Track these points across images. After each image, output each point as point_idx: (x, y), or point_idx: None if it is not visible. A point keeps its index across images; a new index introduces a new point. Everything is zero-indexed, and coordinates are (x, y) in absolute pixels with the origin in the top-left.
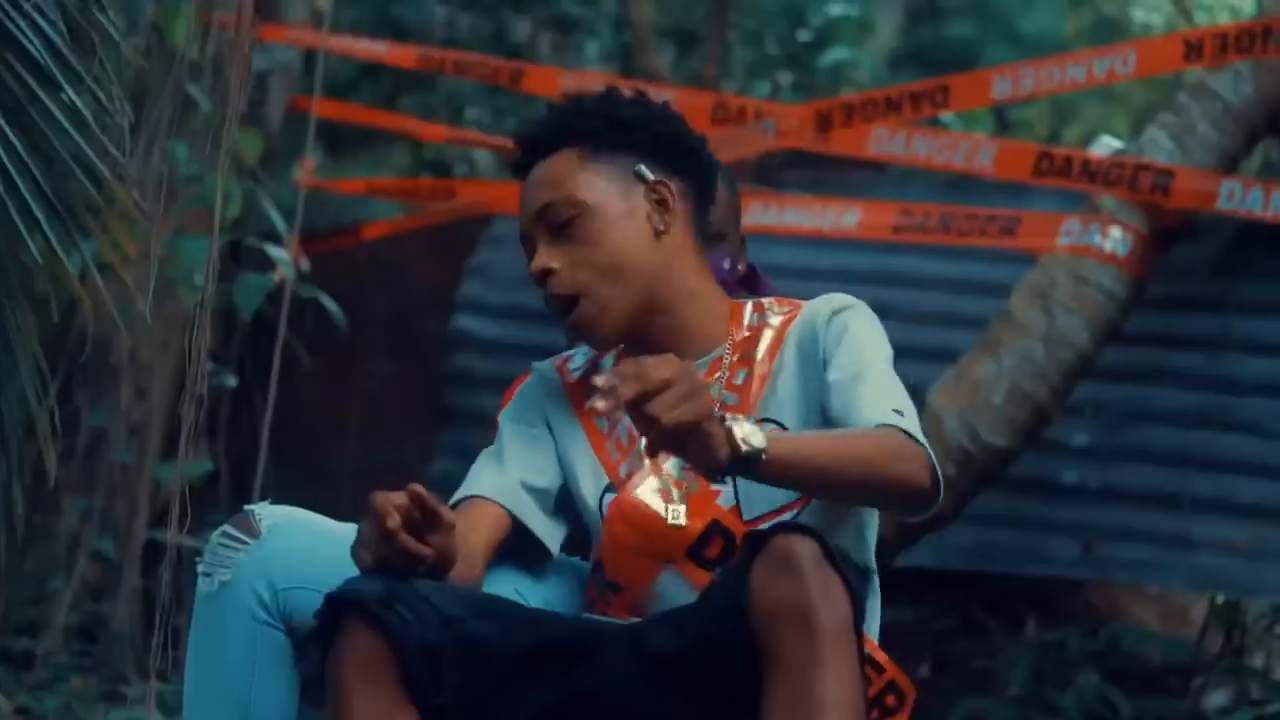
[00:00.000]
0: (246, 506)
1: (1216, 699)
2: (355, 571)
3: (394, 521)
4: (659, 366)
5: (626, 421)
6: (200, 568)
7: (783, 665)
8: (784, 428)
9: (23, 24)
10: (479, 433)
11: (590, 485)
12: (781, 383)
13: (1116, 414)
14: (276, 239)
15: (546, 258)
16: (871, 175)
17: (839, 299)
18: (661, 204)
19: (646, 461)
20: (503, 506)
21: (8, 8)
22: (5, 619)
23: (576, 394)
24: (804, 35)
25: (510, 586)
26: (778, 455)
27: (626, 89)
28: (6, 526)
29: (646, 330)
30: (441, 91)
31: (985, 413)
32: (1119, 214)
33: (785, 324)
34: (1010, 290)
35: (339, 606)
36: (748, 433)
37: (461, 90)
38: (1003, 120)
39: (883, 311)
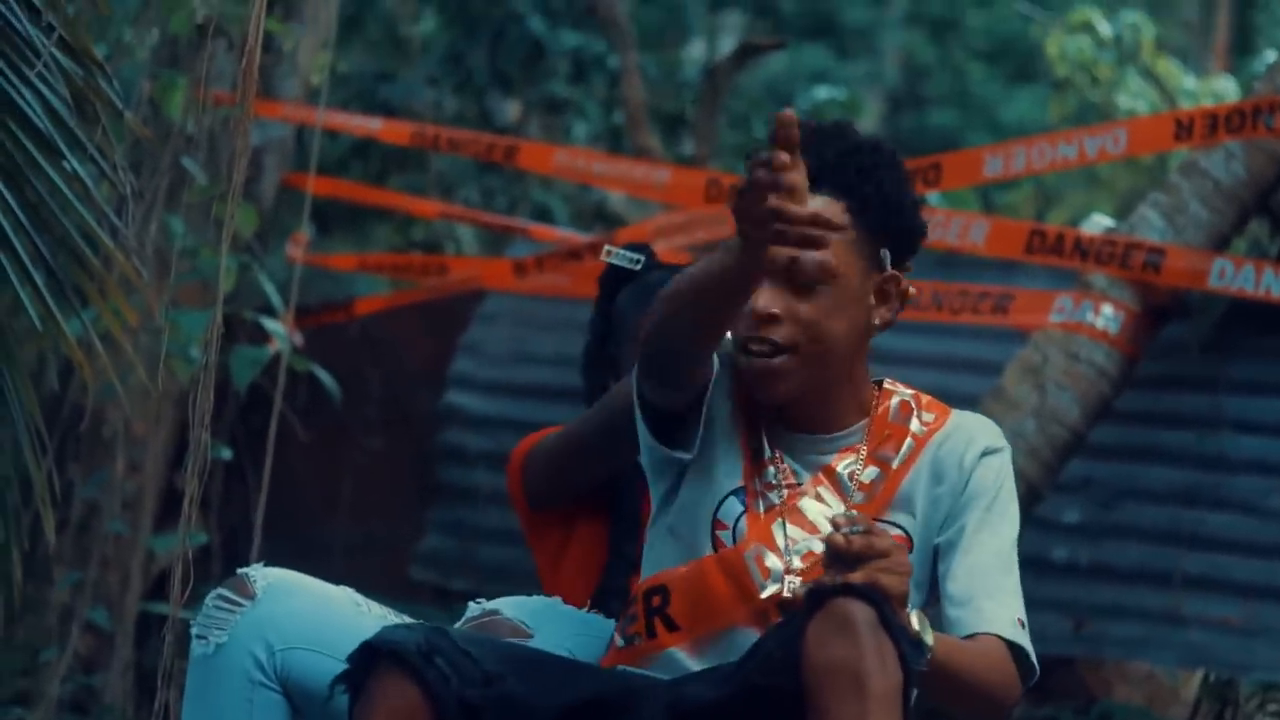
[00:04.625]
0: (240, 570)
1: None
2: (351, 632)
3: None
4: (885, 541)
5: (784, 462)
6: (195, 630)
7: None
8: (908, 534)
9: (26, 93)
10: (470, 508)
11: (716, 487)
12: (914, 497)
13: (1107, 491)
14: (270, 312)
15: (772, 301)
16: None
17: (991, 435)
18: (886, 299)
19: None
20: None
21: (12, 76)
22: None
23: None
24: None
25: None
26: (937, 655)
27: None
28: (4, 593)
29: (798, 401)
30: (431, 171)
31: None
32: (1111, 291)
33: (929, 434)
34: (1000, 368)
35: (374, 655)
36: (921, 628)
37: (451, 170)
38: (988, 203)
39: None
